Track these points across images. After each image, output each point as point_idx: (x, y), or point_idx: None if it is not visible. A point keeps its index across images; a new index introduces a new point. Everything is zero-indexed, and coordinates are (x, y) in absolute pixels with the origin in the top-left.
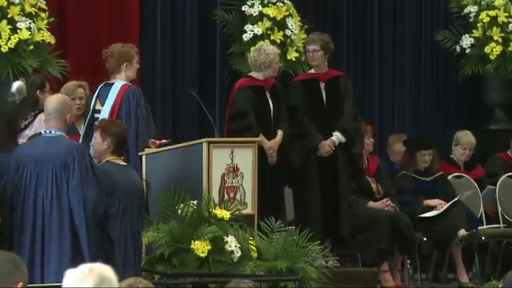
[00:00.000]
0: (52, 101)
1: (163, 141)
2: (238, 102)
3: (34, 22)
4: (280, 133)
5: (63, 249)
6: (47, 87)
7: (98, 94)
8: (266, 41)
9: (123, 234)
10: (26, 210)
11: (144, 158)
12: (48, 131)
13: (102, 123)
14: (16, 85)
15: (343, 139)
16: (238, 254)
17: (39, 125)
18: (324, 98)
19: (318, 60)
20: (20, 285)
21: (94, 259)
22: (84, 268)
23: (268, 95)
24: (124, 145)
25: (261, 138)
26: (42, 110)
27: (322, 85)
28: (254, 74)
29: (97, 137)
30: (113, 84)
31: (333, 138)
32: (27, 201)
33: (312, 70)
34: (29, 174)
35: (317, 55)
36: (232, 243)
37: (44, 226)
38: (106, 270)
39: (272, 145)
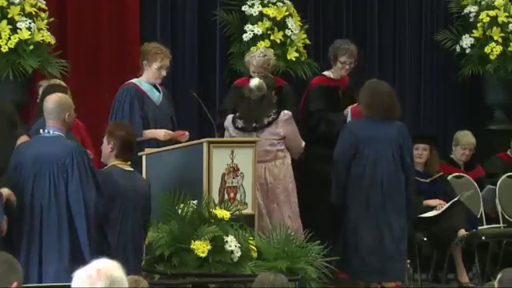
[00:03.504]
0: (50, 100)
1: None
2: (225, 100)
3: (34, 21)
4: None
5: (62, 250)
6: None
7: None
8: (266, 41)
9: (122, 240)
10: (24, 209)
11: (144, 158)
12: (46, 131)
13: (109, 126)
14: (255, 82)
15: None
16: (238, 254)
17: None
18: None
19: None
20: (14, 285)
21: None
22: (92, 270)
23: None
24: (129, 148)
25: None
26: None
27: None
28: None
29: (104, 139)
30: None
31: None
32: (25, 200)
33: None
34: (26, 174)
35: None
36: (232, 243)
37: (42, 227)
38: (113, 269)
39: None
